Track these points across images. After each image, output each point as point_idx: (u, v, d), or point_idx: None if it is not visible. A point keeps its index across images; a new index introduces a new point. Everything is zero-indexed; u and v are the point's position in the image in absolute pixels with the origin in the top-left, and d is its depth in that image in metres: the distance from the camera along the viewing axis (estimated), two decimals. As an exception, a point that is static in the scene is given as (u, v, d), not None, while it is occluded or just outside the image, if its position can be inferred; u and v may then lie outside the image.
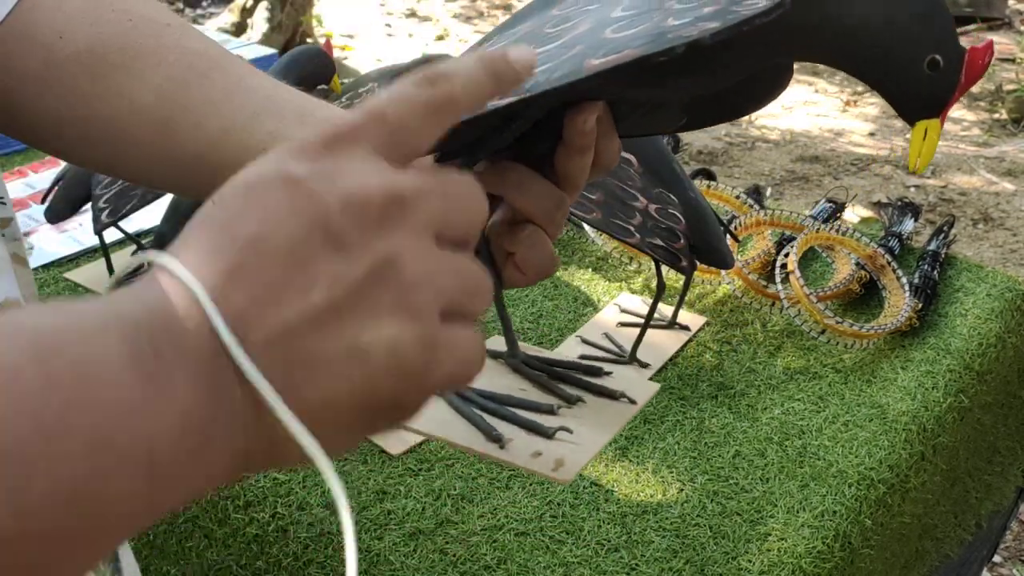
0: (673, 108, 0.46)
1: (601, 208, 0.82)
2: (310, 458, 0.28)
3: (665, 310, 0.98)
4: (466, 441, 0.48)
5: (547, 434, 0.47)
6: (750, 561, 0.67)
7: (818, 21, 0.38)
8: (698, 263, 0.92)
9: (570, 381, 0.52)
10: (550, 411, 0.49)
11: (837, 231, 1.04)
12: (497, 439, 0.47)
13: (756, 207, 1.11)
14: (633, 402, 0.52)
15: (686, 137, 3.37)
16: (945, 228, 1.14)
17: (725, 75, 0.42)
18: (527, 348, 0.54)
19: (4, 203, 0.44)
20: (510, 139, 0.39)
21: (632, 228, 0.85)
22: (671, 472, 0.76)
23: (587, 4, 0.40)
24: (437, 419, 0.49)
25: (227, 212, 0.27)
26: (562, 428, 0.48)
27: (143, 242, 1.11)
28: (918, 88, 0.40)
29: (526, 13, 0.45)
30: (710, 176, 1.21)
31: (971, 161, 3.34)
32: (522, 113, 0.39)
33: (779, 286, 0.95)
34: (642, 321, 0.91)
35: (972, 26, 4.85)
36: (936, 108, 0.41)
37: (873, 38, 0.39)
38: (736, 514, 0.72)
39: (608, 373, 0.54)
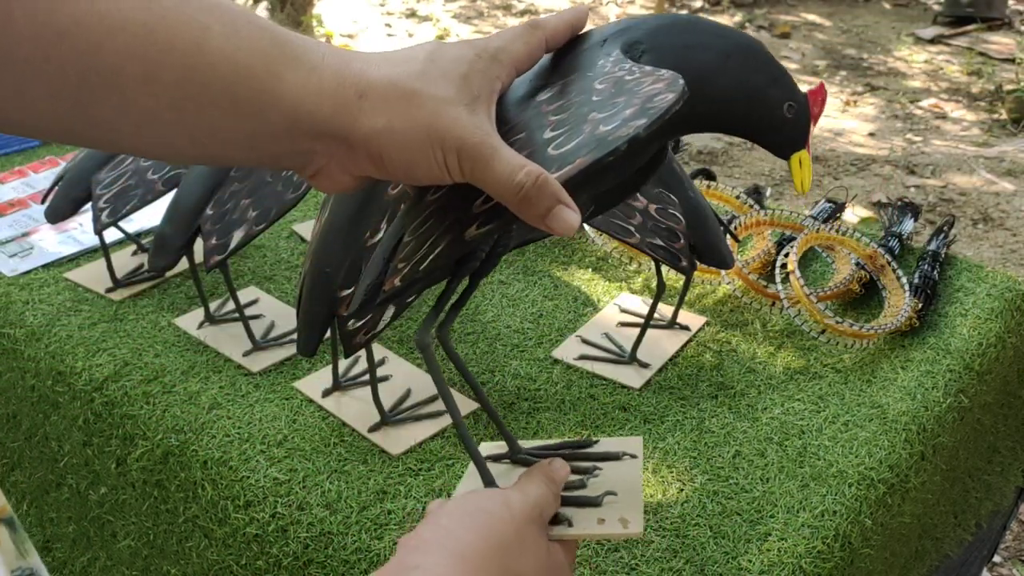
0: (585, 201, 0.51)
1: (601, 208, 0.83)
2: None
3: (665, 310, 0.98)
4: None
5: (598, 503, 0.54)
6: (750, 561, 0.67)
7: (705, 107, 0.48)
8: (698, 263, 0.92)
9: (575, 459, 0.58)
10: (582, 485, 0.55)
11: (837, 231, 1.04)
12: (563, 520, 0.53)
13: (756, 207, 1.11)
14: (635, 457, 0.58)
15: (686, 137, 3.37)
16: (945, 228, 1.14)
17: (641, 161, 0.50)
18: (523, 442, 0.61)
19: None
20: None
21: (632, 228, 0.85)
22: (671, 472, 0.76)
23: (516, 134, 0.46)
24: None
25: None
26: (607, 492, 0.54)
27: (143, 242, 1.11)
28: (785, 130, 0.51)
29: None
30: (710, 176, 1.21)
31: (971, 161, 3.34)
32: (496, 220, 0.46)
33: (779, 286, 0.95)
34: (642, 321, 0.92)
35: (972, 26, 4.85)
36: (802, 140, 0.52)
37: (746, 107, 0.49)
38: (736, 514, 0.72)
39: (596, 441, 0.61)
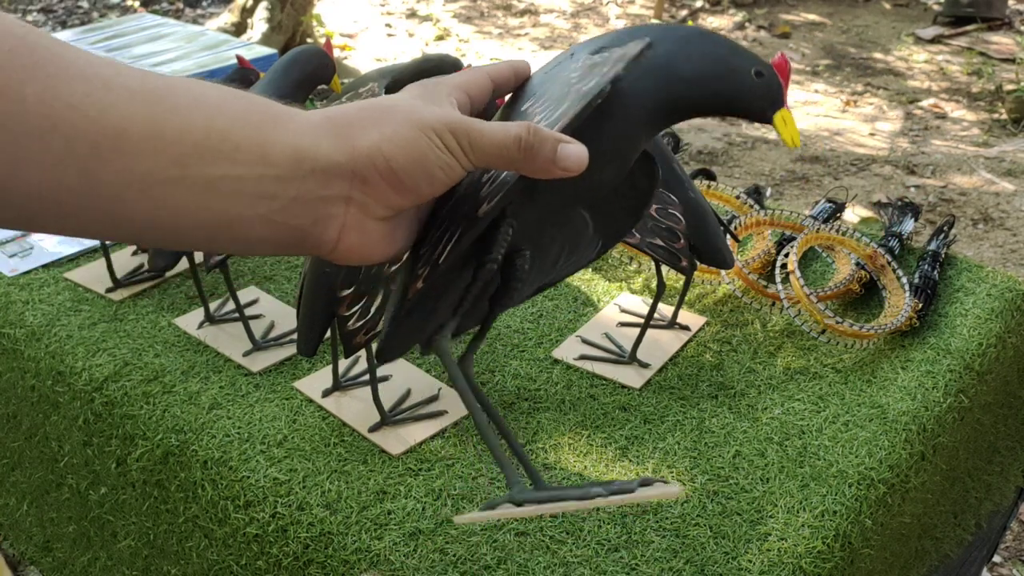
0: (588, 232, 0.56)
1: (601, 208, 0.83)
2: None
3: (665, 310, 0.98)
4: (585, 505, 0.50)
5: (632, 489, 0.50)
6: (750, 561, 0.67)
7: (683, 89, 0.51)
8: (698, 263, 0.92)
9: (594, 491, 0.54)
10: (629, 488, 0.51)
11: (837, 231, 1.04)
12: (599, 494, 0.50)
13: (756, 207, 1.11)
14: (666, 482, 0.53)
15: (686, 137, 3.38)
16: (945, 228, 1.14)
17: (631, 144, 0.52)
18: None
19: None
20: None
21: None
22: (671, 472, 0.76)
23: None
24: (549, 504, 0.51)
25: None
26: (644, 479, 0.51)
27: (143, 242, 1.11)
28: (759, 92, 0.52)
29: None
30: (710, 176, 1.21)
31: (971, 161, 3.34)
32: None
33: (779, 286, 0.95)
34: (642, 321, 0.92)
35: (972, 26, 4.85)
36: (780, 99, 0.53)
37: (718, 80, 0.51)
38: (736, 514, 0.72)
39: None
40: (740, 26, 5.00)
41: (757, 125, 3.63)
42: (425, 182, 0.44)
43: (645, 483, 0.51)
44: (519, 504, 0.51)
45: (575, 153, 0.44)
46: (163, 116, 0.38)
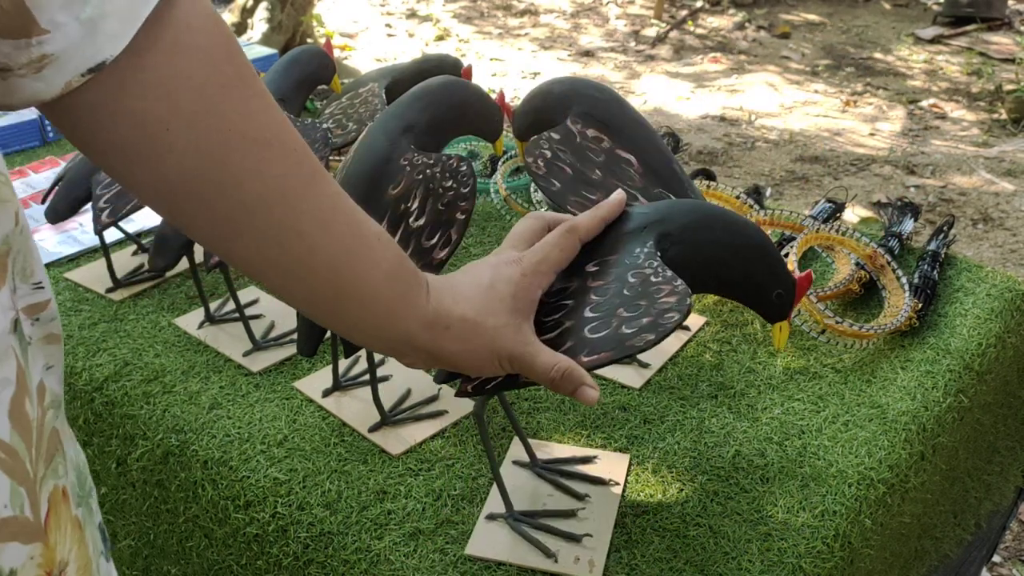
0: None
1: (601, 208, 0.83)
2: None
3: (665, 310, 0.98)
4: (530, 562, 0.67)
5: (577, 540, 0.69)
6: (750, 561, 0.67)
7: (714, 285, 0.65)
8: (698, 263, 0.92)
9: (574, 475, 0.75)
10: (573, 515, 0.71)
11: (837, 231, 1.04)
12: (552, 555, 0.67)
13: (756, 207, 1.11)
14: (617, 483, 0.74)
15: (686, 137, 3.38)
16: (945, 228, 1.14)
17: None
18: (537, 446, 0.78)
19: (42, 287, 0.46)
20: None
21: (632, 228, 0.85)
22: (671, 472, 0.76)
23: (566, 298, 0.62)
24: (506, 544, 0.68)
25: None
26: (586, 534, 0.69)
27: (143, 242, 1.11)
28: (773, 308, 0.66)
29: None
30: (710, 176, 1.21)
31: (971, 161, 3.34)
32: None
33: (779, 286, 0.95)
34: (642, 321, 0.91)
35: (972, 26, 4.85)
36: (785, 316, 0.67)
37: (745, 289, 0.65)
38: (736, 514, 0.72)
39: (595, 458, 0.77)
40: (740, 26, 5.00)
41: (757, 125, 3.64)
42: (476, 374, 0.62)
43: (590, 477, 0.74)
44: (513, 522, 0.70)
45: (591, 396, 0.58)
46: (349, 270, 0.52)
